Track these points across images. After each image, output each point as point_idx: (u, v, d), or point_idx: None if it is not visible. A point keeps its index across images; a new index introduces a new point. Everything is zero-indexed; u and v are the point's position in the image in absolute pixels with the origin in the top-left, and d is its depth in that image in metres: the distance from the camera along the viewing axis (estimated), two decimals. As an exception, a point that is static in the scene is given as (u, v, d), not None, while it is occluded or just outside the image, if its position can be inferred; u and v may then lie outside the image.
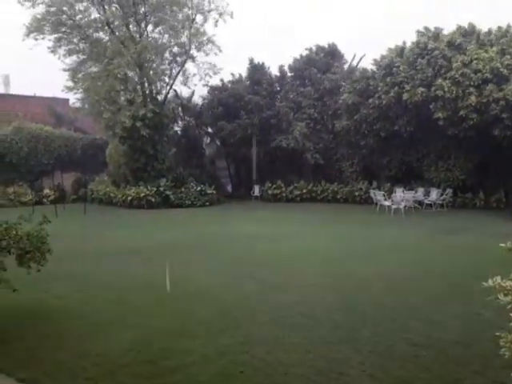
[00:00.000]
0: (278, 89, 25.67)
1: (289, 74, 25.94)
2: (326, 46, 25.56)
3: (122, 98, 20.48)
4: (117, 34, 21.22)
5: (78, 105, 24.75)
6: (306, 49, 25.66)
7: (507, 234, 3.06)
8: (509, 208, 17.34)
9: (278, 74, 25.91)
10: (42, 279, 6.40)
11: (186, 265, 8.69)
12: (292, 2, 49.04)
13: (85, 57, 21.82)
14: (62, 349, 4.69)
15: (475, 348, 4.54)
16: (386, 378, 3.96)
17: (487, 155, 18.49)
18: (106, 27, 21.25)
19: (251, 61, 25.15)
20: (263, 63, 25.15)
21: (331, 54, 25.32)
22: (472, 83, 16.74)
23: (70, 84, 21.82)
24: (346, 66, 25.40)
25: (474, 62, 16.81)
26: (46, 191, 24.47)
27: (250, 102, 23.51)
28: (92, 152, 26.99)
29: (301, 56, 25.66)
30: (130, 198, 21.05)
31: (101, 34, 21.90)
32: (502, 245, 2.90)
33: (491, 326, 4.59)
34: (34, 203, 20.83)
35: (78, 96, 22.92)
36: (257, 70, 25.00)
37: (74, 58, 21.98)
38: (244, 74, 25.78)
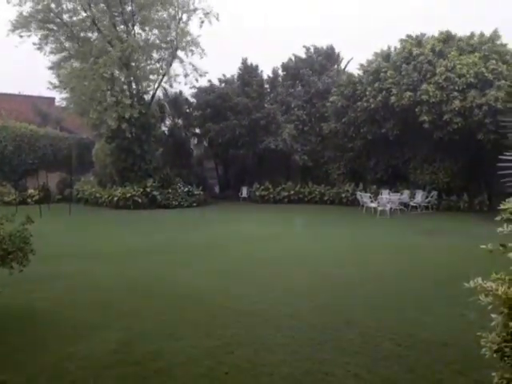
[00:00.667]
0: (269, 90, 25.72)
1: (281, 73, 25.97)
2: (324, 47, 25.64)
3: (109, 99, 20.23)
4: (103, 32, 21.01)
5: (63, 104, 24.44)
6: (304, 46, 25.69)
7: (490, 235, 3.11)
8: (492, 210, 17.65)
9: (271, 75, 25.93)
10: (25, 280, 6.30)
11: (172, 266, 8.65)
12: (291, 4, 49.18)
13: (70, 55, 21.55)
14: (46, 351, 4.62)
15: (458, 348, 4.62)
16: (370, 377, 4.00)
17: (471, 159, 18.82)
18: (94, 26, 21.03)
19: (244, 61, 25.09)
20: (257, 65, 25.11)
21: (328, 57, 25.40)
22: (456, 87, 17.03)
23: (55, 82, 21.59)
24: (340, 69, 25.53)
25: (458, 66, 17.10)
26: (31, 191, 24.08)
27: (238, 104, 23.49)
28: (78, 152, 26.66)
29: (295, 56, 25.71)
30: (116, 198, 20.85)
31: (88, 34, 21.67)
32: (483, 246, 2.95)
33: (474, 326, 4.67)
34: (17, 203, 20.49)
35: (64, 95, 22.68)
36: (248, 70, 24.97)
37: (60, 56, 21.71)
38: (233, 75, 25.77)
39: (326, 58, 25.29)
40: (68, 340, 4.93)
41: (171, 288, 7.04)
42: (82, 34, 21.32)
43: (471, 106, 16.67)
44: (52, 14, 20.24)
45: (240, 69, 25.19)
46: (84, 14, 20.96)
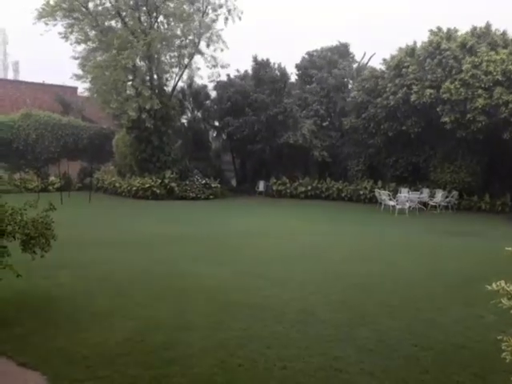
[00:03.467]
0: (283, 86, 25.59)
1: (296, 72, 25.91)
2: (337, 43, 25.48)
3: (130, 89, 20.44)
4: (127, 23, 21.17)
5: (86, 94, 24.79)
6: (314, 50, 25.78)
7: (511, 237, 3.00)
8: (514, 212, 17.20)
9: (287, 71, 25.82)
10: (44, 266, 6.42)
11: (187, 258, 8.71)
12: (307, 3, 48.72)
13: (95, 45, 21.80)
14: (62, 336, 4.71)
15: (476, 351, 4.51)
16: (384, 376, 3.94)
17: (494, 158, 18.35)
18: (118, 16, 21.21)
19: (255, 58, 24.96)
20: (268, 59, 24.95)
21: (340, 52, 25.21)
22: (482, 85, 16.57)
23: (80, 72, 21.90)
24: (355, 65, 25.31)
25: (485, 63, 16.63)
26: (52, 178, 24.59)
27: (256, 100, 23.41)
28: (99, 141, 27.05)
29: (308, 54, 25.67)
30: (134, 188, 21.11)
31: (112, 23, 21.88)
32: (508, 248, 2.86)
33: (493, 329, 4.56)
34: (39, 190, 20.93)
35: (87, 85, 22.98)
36: (261, 67, 24.82)
37: (84, 46, 22.00)
38: (249, 70, 25.69)
39: (338, 54, 25.09)
40: (82, 326, 5.00)
41: (186, 280, 7.08)
42: (106, 24, 21.52)
43: (497, 103, 16.22)
44: (77, 3, 20.47)
45: (253, 67, 25.01)
46: (109, 4, 21.15)
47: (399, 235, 12.45)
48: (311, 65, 25.12)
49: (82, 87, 24.28)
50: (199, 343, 4.56)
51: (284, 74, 25.24)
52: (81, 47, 22.00)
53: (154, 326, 5.04)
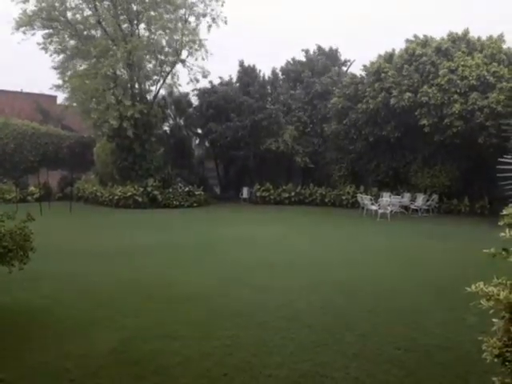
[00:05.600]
0: (269, 91, 25.75)
1: (281, 77, 26.02)
2: (327, 48, 25.69)
3: (110, 98, 20.24)
4: (108, 31, 21.03)
5: (66, 102, 24.48)
6: (303, 50, 25.78)
7: (491, 239, 3.10)
8: (492, 214, 17.62)
9: (271, 77, 25.98)
10: (23, 278, 6.28)
11: (170, 267, 8.64)
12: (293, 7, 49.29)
13: (73, 53, 21.57)
14: (45, 349, 4.60)
15: (459, 352, 4.59)
16: (370, 381, 3.97)
17: (473, 162, 18.80)
18: (98, 25, 21.05)
19: (241, 63, 25.15)
20: (254, 65, 25.19)
21: (330, 57, 25.45)
22: (458, 90, 17.01)
23: (59, 82, 21.65)
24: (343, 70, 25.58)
25: (461, 68, 17.07)
26: (31, 188, 24.12)
27: (242, 104, 23.49)
28: (79, 150, 26.71)
29: (293, 59, 25.79)
30: (116, 197, 20.86)
31: (92, 32, 21.70)
32: (486, 250, 2.93)
33: (475, 330, 4.64)
34: (18, 201, 20.50)
35: (66, 94, 22.70)
36: (247, 72, 25.01)
37: (63, 55, 21.74)
38: (235, 77, 25.79)
39: (328, 59, 25.31)
40: (66, 338, 4.90)
41: (171, 288, 7.02)
42: (85, 33, 21.34)
43: (473, 108, 16.65)
44: (56, 12, 20.25)
45: (239, 71, 25.18)
46: (88, 12, 20.99)
47: (381, 239, 12.60)
48: (297, 69, 25.27)
49: (62, 96, 23.99)
50: (184, 352, 4.52)
51: (275, 79, 25.47)
52: (60, 57, 21.75)
53: (138, 336, 4.98)
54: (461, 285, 3.04)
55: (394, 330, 5.20)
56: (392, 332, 5.14)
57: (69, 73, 21.54)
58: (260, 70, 25.41)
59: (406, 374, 4.12)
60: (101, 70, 19.85)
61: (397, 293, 6.89)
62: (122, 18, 21.33)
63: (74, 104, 22.74)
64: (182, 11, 22.07)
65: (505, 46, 18.00)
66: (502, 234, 2.99)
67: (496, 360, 2.64)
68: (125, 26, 21.61)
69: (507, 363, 2.60)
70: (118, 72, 21.79)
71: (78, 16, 21.02)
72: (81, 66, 21.80)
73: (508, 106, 15.64)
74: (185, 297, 6.53)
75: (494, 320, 2.76)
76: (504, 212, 3.07)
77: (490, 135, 16.54)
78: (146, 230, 14.29)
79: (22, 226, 5.47)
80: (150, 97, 23.44)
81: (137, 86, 22.46)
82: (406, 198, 19.17)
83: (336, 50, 25.80)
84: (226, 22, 22.09)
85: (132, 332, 5.09)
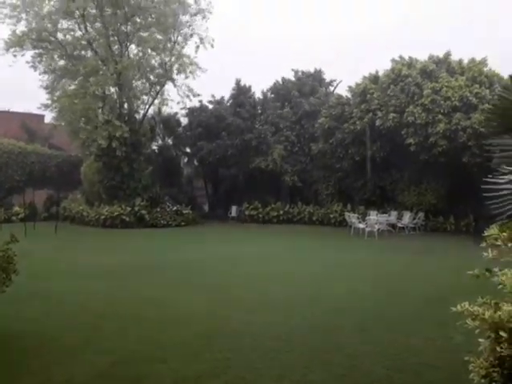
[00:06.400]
0: (260, 112, 26.05)
1: (270, 96, 26.39)
2: (312, 70, 26.22)
3: (100, 117, 20.26)
4: (98, 52, 21.20)
5: (54, 122, 24.41)
6: (293, 70, 26.26)
7: (476, 257, 3.16)
8: (477, 233, 17.85)
9: (261, 97, 26.34)
10: (8, 300, 6.14)
11: (159, 287, 8.54)
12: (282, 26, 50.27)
13: (63, 73, 21.63)
14: (26, 374, 4.47)
15: (447, 372, 4.59)
16: (359, 403, 3.94)
17: (458, 181, 19.12)
18: (88, 45, 21.22)
19: (238, 82, 25.43)
20: (250, 86, 25.52)
21: (317, 79, 25.95)
22: (442, 110, 17.43)
23: (47, 101, 21.63)
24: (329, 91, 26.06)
25: (444, 89, 17.53)
26: (16, 208, 23.74)
27: (232, 124, 23.71)
28: (66, 169, 26.50)
29: (283, 79, 26.20)
30: (103, 217, 20.65)
31: (82, 52, 21.85)
32: (470, 272, 2.98)
33: (462, 349, 4.66)
34: (2, 221, 20.13)
35: (54, 114, 22.67)
36: (242, 92, 25.31)
37: (53, 75, 21.79)
38: (226, 96, 26.10)
39: (315, 80, 25.79)
40: (50, 362, 4.78)
41: (159, 309, 6.92)
42: (75, 53, 21.48)
43: (456, 128, 17.05)
44: (46, 33, 20.38)
45: (234, 89, 25.52)
46: (79, 33, 21.17)
47: (369, 258, 12.65)
48: (285, 89, 25.66)
49: (50, 116, 23.94)
50: (172, 375, 4.44)
51: (265, 100, 25.80)
52: (49, 77, 21.79)
53: (126, 358, 4.88)
54: (448, 303, 3.07)
55: (383, 349, 5.19)
56: (381, 351, 5.13)
57: (58, 93, 21.55)
58: (254, 92, 25.79)
59: (395, 394, 4.10)
60: (89, 89, 19.91)
61: (385, 311, 6.90)
62: (112, 39, 21.55)
63: (63, 123, 22.68)
64: (172, 32, 22.40)
65: (485, 69, 18.58)
66: (485, 253, 3.06)
67: (483, 381, 2.65)
68: (115, 47, 21.82)
69: (494, 383, 2.62)
70: (107, 92, 21.88)
71: (68, 37, 21.18)
72: (70, 85, 21.84)
73: (488, 126, 16.05)
74: (174, 318, 6.45)
75: (480, 340, 2.79)
76: (486, 233, 3.14)
77: (473, 155, 16.91)
78: (133, 250, 14.14)
79: (5, 247, 5.38)
80: (138, 116, 23.53)
81: (126, 105, 22.54)
82: (392, 216, 19.35)
83: (320, 71, 26.35)
84: (212, 46, 22.55)
85: (120, 354, 4.99)
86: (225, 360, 4.85)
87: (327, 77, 26.51)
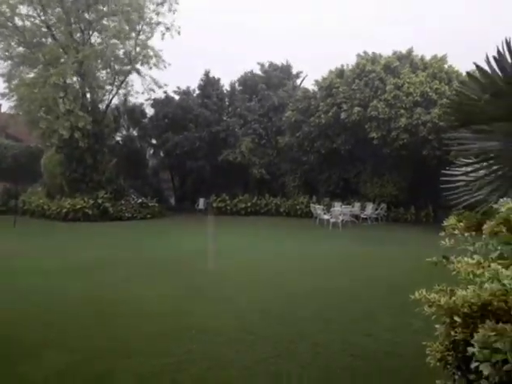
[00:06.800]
0: (227, 104, 25.86)
1: (238, 89, 26.24)
2: (280, 64, 26.22)
3: (61, 107, 19.46)
4: (59, 39, 20.31)
5: (11, 111, 23.27)
6: (259, 63, 26.17)
7: (436, 246, 3.30)
8: (436, 222, 18.60)
9: (229, 89, 26.14)
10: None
11: (125, 283, 8.39)
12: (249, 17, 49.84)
13: (20, 61, 20.62)
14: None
15: (406, 357, 4.77)
16: (323, 390, 4.04)
17: (418, 173, 19.80)
18: (48, 32, 20.27)
19: (207, 73, 25.10)
20: (219, 79, 25.25)
21: (285, 72, 25.98)
22: (404, 105, 17.94)
23: (5, 90, 20.58)
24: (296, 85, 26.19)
25: (406, 85, 18.04)
26: (-30, 202, 22.60)
27: (199, 116, 23.44)
28: (25, 161, 25.39)
29: (251, 72, 26.10)
30: (64, 210, 19.99)
31: (42, 40, 20.86)
32: (429, 259, 3.10)
33: (420, 335, 4.86)
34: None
35: (12, 103, 21.62)
36: (210, 83, 25.02)
37: (10, 62, 20.73)
38: (192, 87, 25.73)
39: (282, 73, 25.86)
40: (13, 361, 4.61)
41: (125, 305, 6.79)
42: (34, 40, 20.49)
43: (417, 123, 17.60)
44: (3, 18, 19.32)
45: (202, 80, 25.18)
46: (38, 20, 20.19)
47: (332, 248, 12.93)
48: (253, 81, 25.56)
49: (7, 105, 22.80)
50: (138, 370, 4.40)
51: (233, 92, 25.60)
52: (6, 63, 20.73)
53: (90, 356, 4.77)
54: (407, 291, 3.19)
55: (346, 337, 5.33)
56: (344, 339, 5.27)
57: (15, 81, 20.53)
58: (223, 85, 25.55)
59: (357, 381, 4.23)
60: (49, 78, 19.07)
61: (347, 300, 7.08)
62: (74, 26, 20.70)
63: (21, 113, 21.67)
64: (136, 21, 21.76)
65: (446, 66, 19.23)
66: (443, 242, 3.19)
67: (439, 364, 2.78)
68: (77, 35, 20.97)
69: (448, 366, 2.75)
70: (69, 81, 21.05)
71: (27, 23, 20.17)
72: (28, 73, 20.86)
73: (446, 121, 16.66)
74: (140, 313, 6.35)
75: (436, 326, 2.91)
76: (444, 223, 3.27)
77: (433, 148, 17.53)
78: (96, 244, 13.79)
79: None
80: (102, 106, 22.82)
81: (89, 95, 21.79)
82: (356, 207, 19.83)
83: (289, 65, 26.43)
84: (179, 33, 22.09)
85: (84, 352, 4.87)
86: (190, 353, 4.84)
87: (295, 70, 26.69)
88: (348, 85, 19.66)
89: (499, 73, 4.17)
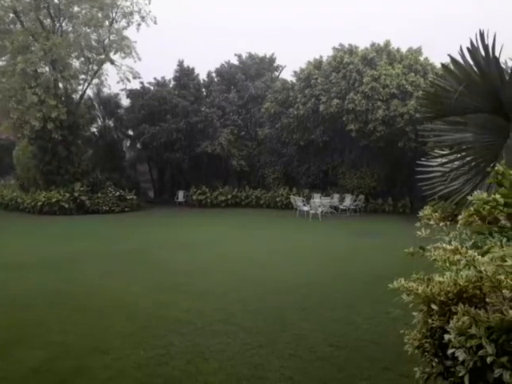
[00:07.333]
0: (205, 94, 25.57)
1: (215, 80, 25.95)
2: (260, 54, 26.01)
3: (31, 97, 18.80)
4: (26, 26, 19.58)
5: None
6: (236, 54, 25.92)
7: (413, 236, 3.35)
8: (413, 213, 18.98)
9: (206, 79, 25.83)
10: None
11: (101, 276, 8.25)
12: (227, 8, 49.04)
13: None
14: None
15: (385, 345, 4.87)
16: (304, 379, 4.09)
17: (395, 164, 20.14)
18: (15, 19, 19.52)
19: (180, 63, 24.72)
20: (193, 68, 24.90)
21: (264, 63, 25.78)
22: (381, 97, 18.13)
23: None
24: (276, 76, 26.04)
25: (383, 77, 18.21)
26: None
27: (176, 106, 23.11)
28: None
29: (228, 63, 25.83)
30: (40, 203, 19.49)
31: (10, 27, 20.06)
32: (406, 250, 3.15)
33: (399, 323, 4.96)
34: None
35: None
36: (185, 73, 24.66)
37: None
38: (168, 77, 25.30)
39: (261, 64, 25.69)
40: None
41: (101, 298, 6.69)
42: (2, 27, 19.68)
43: (394, 114, 17.83)
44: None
45: (176, 71, 24.81)
46: (5, 4, 19.38)
47: (312, 238, 13.05)
48: (231, 72, 25.31)
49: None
50: (116, 365, 4.34)
51: (210, 82, 25.28)
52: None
53: (65, 352, 4.69)
54: (385, 280, 3.23)
55: (326, 327, 5.40)
56: (324, 329, 5.34)
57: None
58: (198, 74, 25.21)
59: (338, 369, 4.30)
60: (17, 66, 18.37)
61: (326, 290, 7.16)
62: (42, 12, 19.97)
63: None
64: (109, 9, 21.16)
65: (421, 58, 19.48)
66: (419, 232, 3.25)
67: (416, 351, 2.84)
68: (47, 21, 20.27)
69: (426, 353, 2.81)
70: (40, 70, 20.37)
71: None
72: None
73: (422, 112, 16.95)
74: (115, 306, 6.27)
75: (414, 314, 2.97)
76: (420, 214, 3.33)
77: (409, 139, 17.82)
78: (73, 237, 13.51)
79: None
80: (76, 97, 22.22)
81: (61, 85, 21.15)
82: (335, 198, 20.03)
83: (271, 57, 26.26)
84: (155, 22, 21.63)
85: (59, 348, 4.78)
86: (171, 346, 4.81)
87: (274, 61, 26.50)
88: (326, 77, 19.72)
89: (473, 65, 4.26)
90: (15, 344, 4.90)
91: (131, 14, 21.38)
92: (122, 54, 21.18)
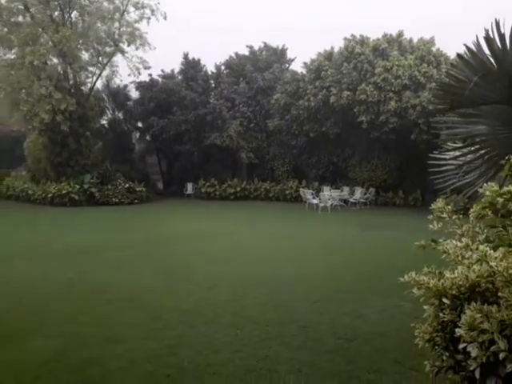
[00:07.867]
0: (213, 86, 25.49)
1: (224, 72, 25.84)
2: (274, 45, 25.81)
3: (39, 89, 18.90)
4: (36, 18, 19.63)
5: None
6: (247, 46, 25.77)
7: (424, 229, 3.31)
8: (424, 206, 18.81)
9: (215, 71, 25.74)
10: None
11: (112, 268, 8.32)
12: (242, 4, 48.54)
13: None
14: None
15: (395, 338, 4.85)
16: (313, 372, 4.09)
17: (406, 157, 19.92)
18: (25, 11, 19.59)
19: (185, 55, 24.67)
20: (199, 59, 24.82)
21: (275, 54, 25.58)
22: (393, 89, 17.90)
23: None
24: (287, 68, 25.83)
25: (395, 68, 17.96)
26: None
27: (185, 98, 23.09)
28: (7, 145, 24.85)
29: (236, 54, 25.68)
30: (50, 195, 19.70)
31: (20, 19, 20.15)
32: (417, 243, 3.12)
33: (409, 316, 4.93)
34: None
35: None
36: (191, 65, 24.60)
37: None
38: (177, 70, 25.25)
39: (273, 56, 25.50)
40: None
41: (112, 290, 6.75)
42: (12, 20, 19.78)
43: (406, 106, 17.60)
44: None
45: (182, 63, 24.75)
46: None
47: (321, 232, 13.01)
48: (240, 63, 25.16)
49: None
50: (128, 356, 4.38)
51: (219, 74, 25.19)
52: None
53: (78, 342, 4.75)
54: (396, 273, 3.20)
55: (335, 320, 5.39)
56: (333, 322, 5.33)
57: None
58: (204, 65, 25.13)
59: (347, 362, 4.29)
60: (27, 59, 18.45)
61: (336, 283, 7.14)
62: (52, 4, 20.01)
63: (1, 95, 21.05)
64: (119, 2, 21.13)
65: (433, 49, 19.16)
66: (431, 226, 3.20)
67: (427, 345, 2.81)
68: (56, 13, 20.31)
69: (437, 347, 2.79)
70: (50, 62, 20.46)
71: (2, 1, 19.43)
72: (5, 55, 20.22)
73: (435, 104, 16.70)
74: (127, 297, 6.33)
75: (425, 307, 2.94)
76: (432, 206, 3.28)
77: (421, 132, 17.59)
78: (83, 229, 13.64)
79: None
80: (85, 89, 22.30)
81: (71, 77, 21.23)
82: (345, 191, 19.91)
83: (284, 49, 26.03)
84: (165, 18, 21.56)
85: (72, 338, 4.84)
86: (180, 337, 4.84)
87: (285, 52, 26.26)
88: (336, 68, 19.51)
89: (489, 55, 4.15)
90: (29, 335, 4.97)
91: (143, 6, 21.34)
92: (135, 45, 21.17)
